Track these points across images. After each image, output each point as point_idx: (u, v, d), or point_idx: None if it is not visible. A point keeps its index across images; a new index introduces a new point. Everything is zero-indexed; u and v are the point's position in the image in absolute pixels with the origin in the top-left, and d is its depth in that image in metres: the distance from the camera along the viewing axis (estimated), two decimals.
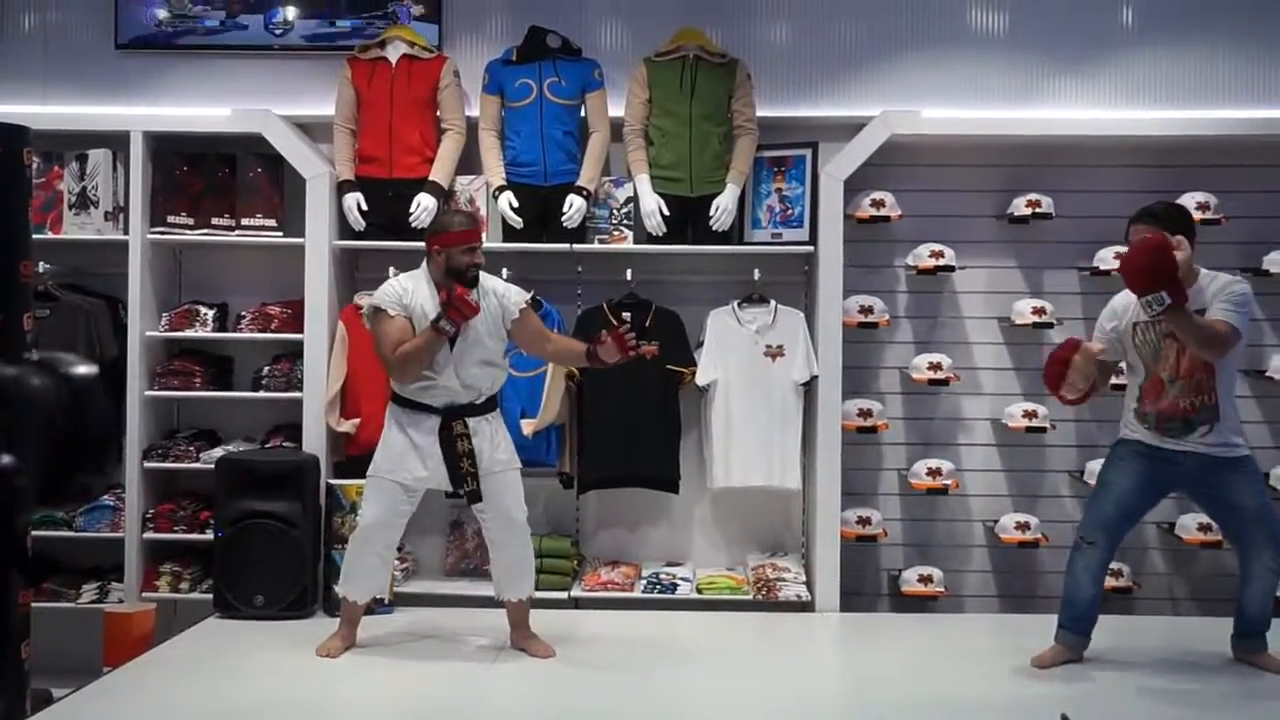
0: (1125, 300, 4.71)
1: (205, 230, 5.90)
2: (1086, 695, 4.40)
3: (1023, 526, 5.77)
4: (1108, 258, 5.76)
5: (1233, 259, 5.92)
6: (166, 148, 5.91)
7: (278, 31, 6.07)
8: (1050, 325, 5.81)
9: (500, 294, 4.83)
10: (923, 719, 4.20)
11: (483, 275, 4.80)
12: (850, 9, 6.03)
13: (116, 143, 5.84)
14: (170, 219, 5.86)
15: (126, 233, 5.82)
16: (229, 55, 6.09)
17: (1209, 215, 5.73)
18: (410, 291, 4.73)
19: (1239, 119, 5.80)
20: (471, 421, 4.75)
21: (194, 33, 6.07)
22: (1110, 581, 5.65)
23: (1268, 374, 5.83)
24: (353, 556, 4.89)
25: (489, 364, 4.79)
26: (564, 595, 5.69)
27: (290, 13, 6.07)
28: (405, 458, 4.75)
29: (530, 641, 4.90)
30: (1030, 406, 5.82)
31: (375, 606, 5.37)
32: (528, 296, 4.90)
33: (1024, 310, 5.84)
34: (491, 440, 4.80)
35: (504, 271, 5.73)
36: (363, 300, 5.76)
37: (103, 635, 5.27)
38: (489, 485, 4.77)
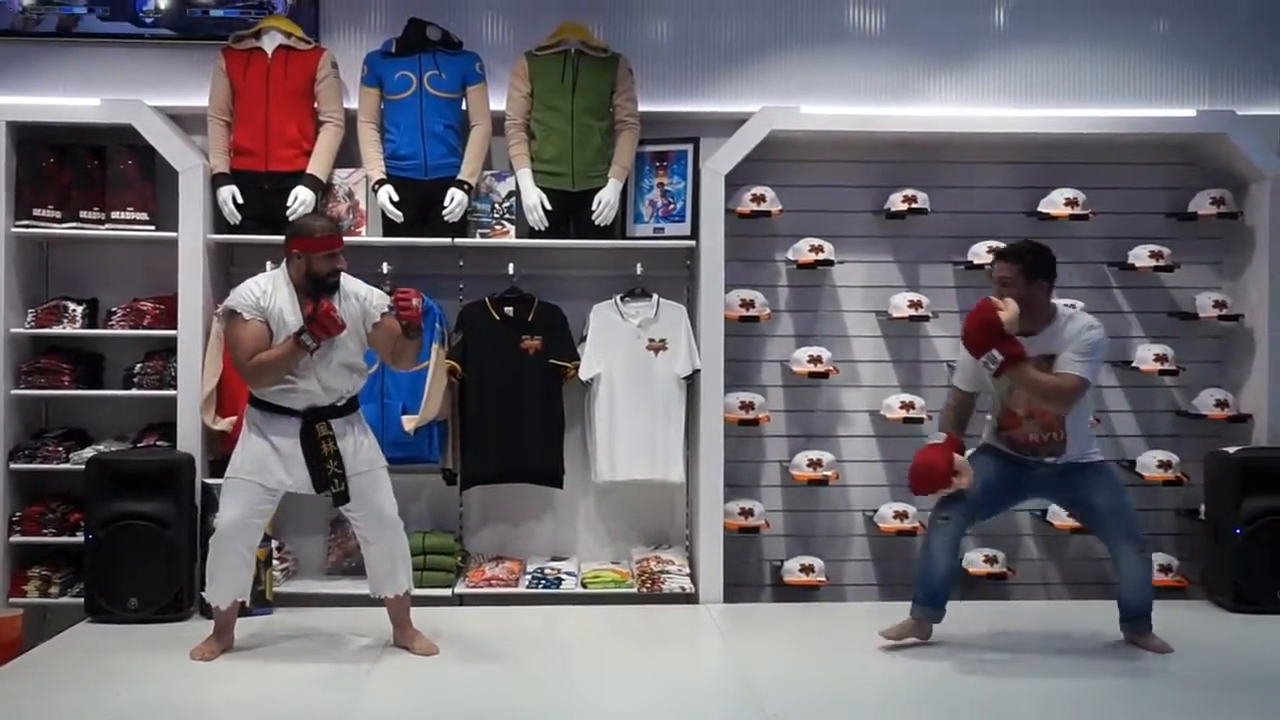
0: None
1: (74, 224, 5.73)
2: (967, 680, 4.50)
3: (901, 515, 5.88)
4: (981, 252, 5.91)
5: (1099, 253, 6.14)
6: (32, 138, 5.74)
7: (149, 20, 5.92)
8: (926, 318, 5.93)
9: (361, 297, 4.75)
10: (806, 707, 4.25)
11: (343, 277, 4.71)
12: (731, 6, 6.08)
13: None
14: (36, 212, 5.69)
15: None
16: (98, 44, 5.92)
17: (1078, 210, 5.92)
18: (268, 294, 4.62)
19: (1108, 117, 5.97)
20: (335, 423, 4.69)
21: (61, 19, 5.89)
22: (985, 568, 5.83)
23: (1133, 364, 6.01)
24: (214, 560, 4.77)
25: (350, 367, 4.74)
26: (448, 592, 5.65)
27: (162, 1, 5.92)
28: (266, 460, 4.66)
29: (413, 639, 4.86)
30: (907, 398, 5.93)
31: (253, 608, 5.29)
32: (389, 301, 4.77)
33: (901, 304, 5.94)
34: (355, 440, 4.75)
35: (385, 266, 5.70)
36: None
37: None
38: (358, 485, 4.72)
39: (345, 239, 5.66)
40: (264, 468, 4.66)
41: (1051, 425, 4.74)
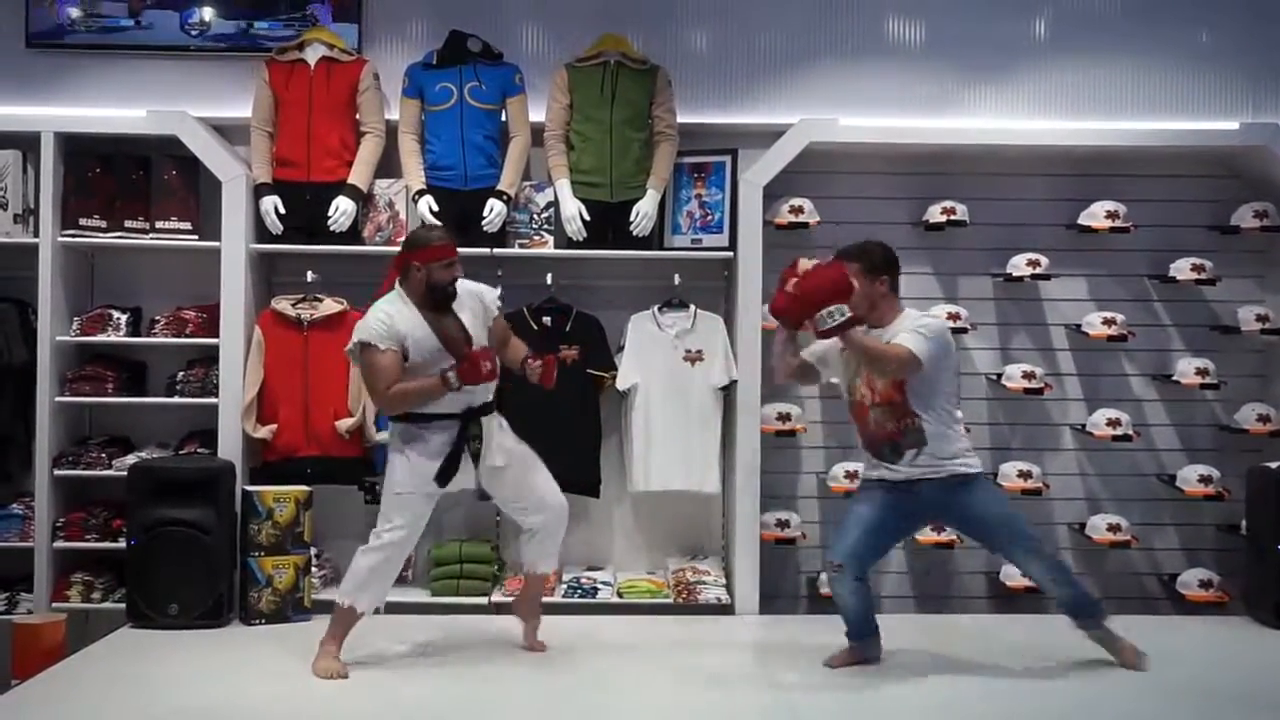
0: None
1: (118, 233, 5.80)
2: (1001, 693, 4.48)
3: (939, 528, 5.85)
4: (1020, 264, 5.90)
5: (1141, 266, 6.10)
6: (79, 149, 5.81)
7: (194, 32, 6.00)
8: (965, 330, 5.91)
9: (477, 293, 4.83)
10: (840, 719, 4.24)
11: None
12: (770, 18, 6.09)
13: (27, 144, 5.73)
14: (82, 221, 5.77)
15: (37, 235, 5.71)
16: (144, 56, 6.00)
17: (1119, 223, 5.88)
18: (394, 318, 4.63)
19: (1149, 130, 5.93)
20: (483, 421, 4.74)
21: (108, 32, 5.97)
22: (1022, 582, 5.77)
23: (1174, 378, 5.96)
24: (375, 570, 4.72)
25: None
26: (484, 601, 5.67)
27: (207, 13, 5.99)
28: (427, 471, 4.67)
29: (533, 624, 5.02)
30: None
31: (291, 614, 5.34)
32: (498, 294, 4.91)
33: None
34: (502, 435, 4.81)
35: None
36: (280, 305, 5.72)
37: (11, 647, 5.16)
38: (513, 475, 4.80)
39: (385, 248, 5.79)
40: (425, 478, 4.68)
41: (901, 411, 4.62)
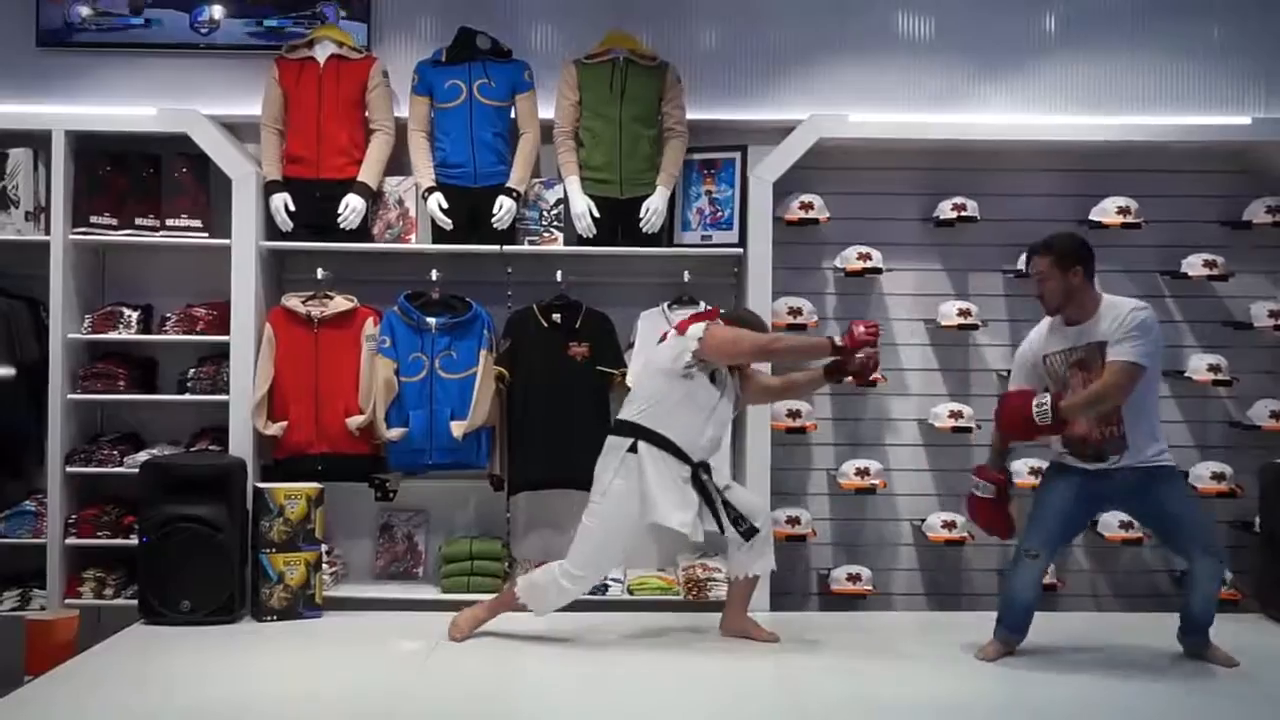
0: (1039, 331, 4.88)
1: (129, 231, 5.82)
2: (1014, 691, 4.47)
3: (949, 525, 5.85)
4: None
5: (1152, 262, 6.07)
6: (90, 147, 5.82)
7: (203, 30, 6.00)
8: (975, 326, 5.90)
9: None
10: (851, 716, 4.24)
11: None
12: (779, 14, 6.08)
13: (38, 142, 5.75)
14: (93, 219, 5.78)
15: (48, 233, 5.72)
16: (153, 54, 6.01)
17: (1129, 219, 5.86)
18: None
19: (1161, 125, 5.92)
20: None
21: (118, 30, 5.98)
22: None
23: (1186, 374, 5.94)
24: (560, 593, 4.92)
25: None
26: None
27: (216, 11, 6.00)
28: (674, 498, 4.80)
29: (747, 625, 5.12)
30: (956, 407, 5.91)
31: (303, 610, 5.36)
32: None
33: (950, 312, 5.91)
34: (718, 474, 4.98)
35: (434, 273, 5.74)
36: (290, 302, 5.72)
37: (24, 643, 5.18)
38: (738, 494, 5.01)
39: (395, 246, 5.80)
40: (676, 509, 4.77)
41: (1110, 419, 4.62)
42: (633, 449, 4.80)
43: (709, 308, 5.22)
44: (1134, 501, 4.86)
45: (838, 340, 4.67)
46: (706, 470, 4.85)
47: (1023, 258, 5.89)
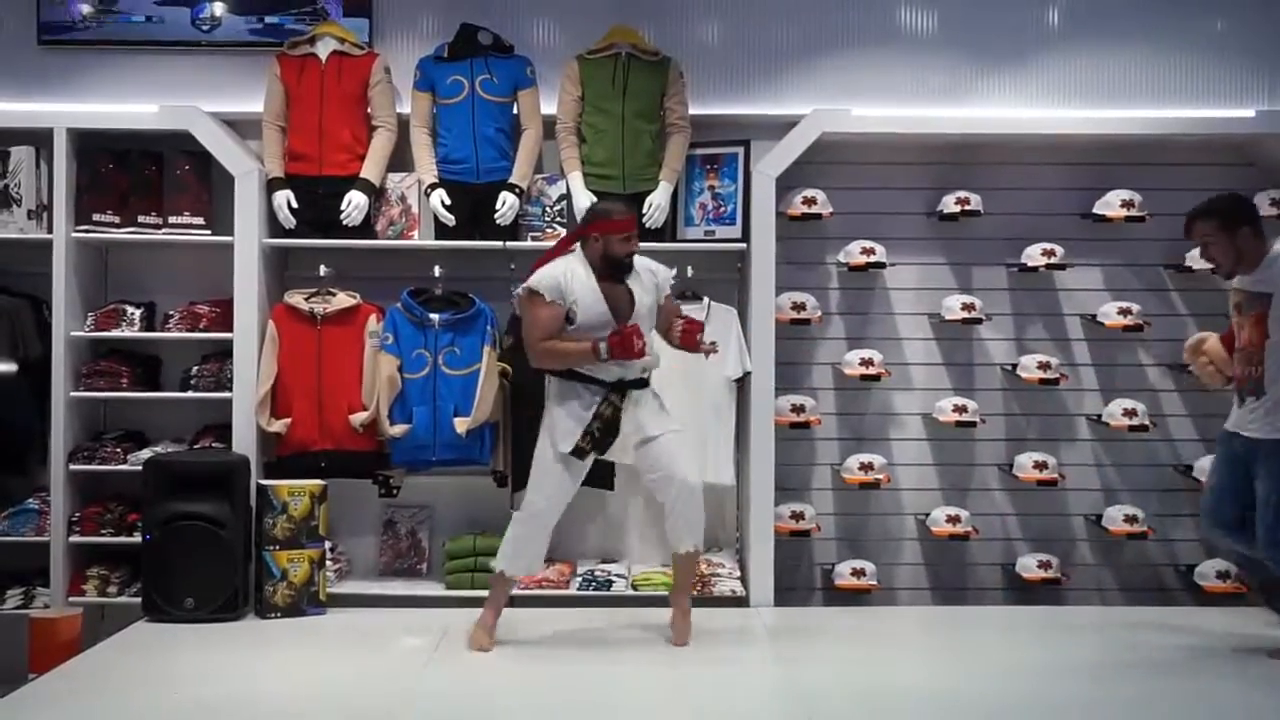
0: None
1: (132, 228, 5.81)
2: (1018, 686, 4.46)
3: (954, 520, 5.84)
4: (1035, 254, 5.87)
5: (1156, 255, 6.08)
6: (92, 145, 5.81)
7: (205, 27, 5.99)
8: (979, 321, 5.89)
9: (653, 270, 4.93)
10: (856, 712, 4.23)
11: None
12: (782, 8, 6.06)
13: (40, 140, 5.74)
14: (96, 217, 5.77)
15: (50, 231, 5.72)
16: (155, 51, 5.99)
17: (1133, 212, 5.86)
18: (569, 278, 4.74)
19: (1164, 118, 5.90)
20: (634, 393, 4.82)
21: (118, 27, 5.98)
22: (1039, 574, 5.76)
23: (1190, 368, 5.91)
24: (518, 540, 4.88)
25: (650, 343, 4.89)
26: None
27: (218, 9, 5.99)
28: (575, 430, 4.77)
29: (679, 614, 5.02)
30: (960, 401, 5.89)
31: (307, 607, 5.36)
32: (673, 274, 5.02)
33: (954, 306, 5.90)
34: (650, 408, 4.88)
35: (437, 269, 5.73)
36: (293, 299, 5.72)
37: (28, 641, 5.17)
38: (653, 449, 4.86)
39: (398, 242, 5.80)
40: (569, 440, 4.76)
41: (1253, 359, 4.62)
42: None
43: (563, 237, 5.21)
44: (1249, 464, 4.71)
45: (601, 349, 4.64)
46: (621, 393, 4.78)
47: (1026, 251, 5.90)
